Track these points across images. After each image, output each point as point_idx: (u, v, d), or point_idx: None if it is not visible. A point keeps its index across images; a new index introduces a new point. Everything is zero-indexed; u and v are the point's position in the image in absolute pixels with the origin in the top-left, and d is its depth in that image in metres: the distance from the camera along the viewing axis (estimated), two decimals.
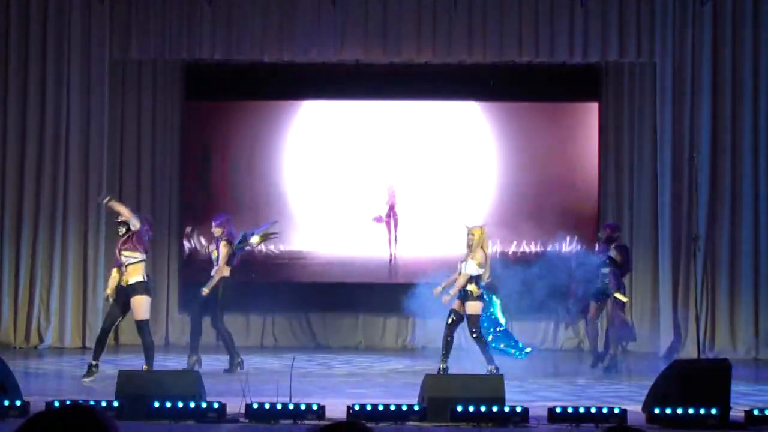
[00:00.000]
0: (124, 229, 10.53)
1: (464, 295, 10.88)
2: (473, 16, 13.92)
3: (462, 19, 13.89)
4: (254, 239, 11.78)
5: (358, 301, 14.71)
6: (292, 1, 13.90)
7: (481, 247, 10.94)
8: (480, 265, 10.89)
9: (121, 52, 14.12)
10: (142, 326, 10.57)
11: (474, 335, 10.92)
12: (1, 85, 14.13)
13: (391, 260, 14.80)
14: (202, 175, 15.02)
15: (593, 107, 14.97)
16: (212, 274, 11.51)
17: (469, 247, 10.95)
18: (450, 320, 10.97)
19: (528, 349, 12.03)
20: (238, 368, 11.40)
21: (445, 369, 10.79)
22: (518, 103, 15.13)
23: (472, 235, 10.94)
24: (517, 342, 12.12)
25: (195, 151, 15.07)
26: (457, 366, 11.16)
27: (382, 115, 15.13)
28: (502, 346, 11.84)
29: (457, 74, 14.67)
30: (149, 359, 10.52)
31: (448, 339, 10.97)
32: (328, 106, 15.19)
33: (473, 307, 10.89)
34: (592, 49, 13.97)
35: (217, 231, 11.51)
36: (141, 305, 10.53)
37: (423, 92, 14.88)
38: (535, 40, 13.92)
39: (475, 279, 10.87)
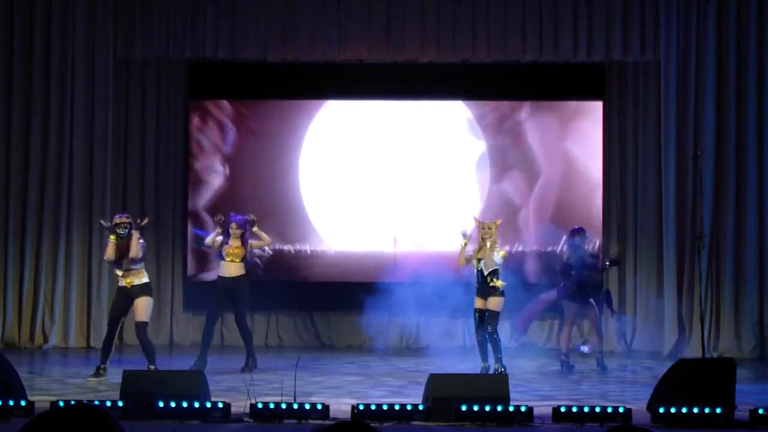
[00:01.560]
0: (127, 231, 10.63)
1: (488, 291, 10.94)
2: (477, 15, 13.91)
3: (466, 17, 13.88)
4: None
5: (362, 300, 14.67)
6: (296, 0, 13.91)
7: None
8: (504, 258, 11.04)
9: (125, 51, 14.13)
10: (145, 327, 10.80)
11: (489, 331, 10.95)
12: (6, 83, 14.12)
13: (394, 260, 14.76)
14: (206, 173, 14.99)
15: (597, 106, 14.94)
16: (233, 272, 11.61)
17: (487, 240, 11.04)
18: (477, 321, 11.05)
19: None
20: (252, 368, 11.47)
21: (486, 368, 10.90)
22: (522, 102, 15.09)
23: (489, 229, 11.05)
24: None
25: (199, 149, 15.06)
26: (462, 365, 11.18)
27: (387, 114, 15.10)
28: None
29: (460, 73, 14.65)
30: (155, 358, 10.73)
31: (482, 340, 11.03)
32: (334, 105, 15.17)
33: (497, 303, 10.98)
34: (596, 48, 13.95)
35: (239, 231, 11.59)
36: (148, 305, 10.85)
37: (425, 92, 14.84)
38: (539, 39, 13.91)
39: (497, 274, 10.95)
